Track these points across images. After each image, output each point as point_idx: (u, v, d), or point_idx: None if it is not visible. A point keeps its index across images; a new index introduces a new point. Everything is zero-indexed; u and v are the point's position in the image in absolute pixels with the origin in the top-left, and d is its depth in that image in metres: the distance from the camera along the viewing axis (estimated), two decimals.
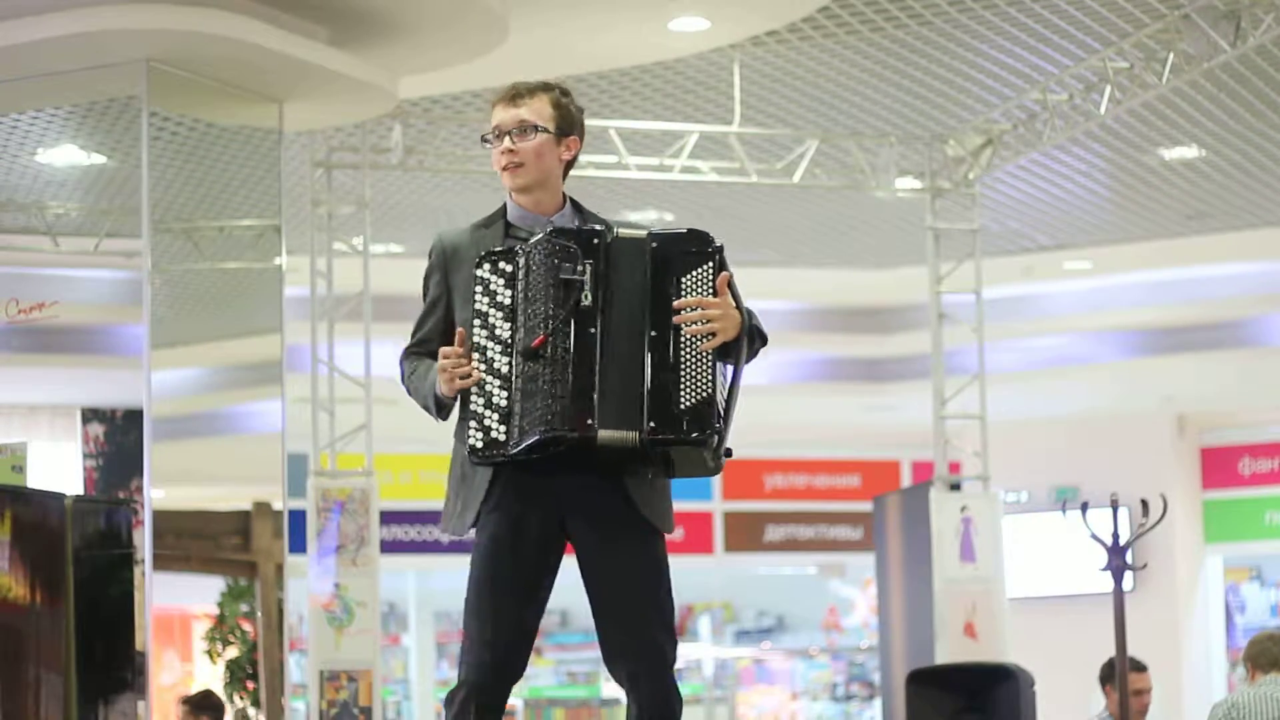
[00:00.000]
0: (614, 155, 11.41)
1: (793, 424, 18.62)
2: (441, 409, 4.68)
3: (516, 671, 4.62)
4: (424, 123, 11.39)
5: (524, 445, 4.48)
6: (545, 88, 4.75)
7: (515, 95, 4.73)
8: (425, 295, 4.80)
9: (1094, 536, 8.88)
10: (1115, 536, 8.86)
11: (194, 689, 14.45)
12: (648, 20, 9.79)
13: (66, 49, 8.94)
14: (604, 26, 9.85)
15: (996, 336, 14.22)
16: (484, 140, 4.78)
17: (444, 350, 4.58)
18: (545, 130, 4.69)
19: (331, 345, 11.37)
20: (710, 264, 4.56)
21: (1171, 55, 10.14)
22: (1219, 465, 18.65)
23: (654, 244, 4.56)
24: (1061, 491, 17.63)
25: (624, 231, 4.58)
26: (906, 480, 20.00)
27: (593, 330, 4.49)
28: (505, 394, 4.52)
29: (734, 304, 4.57)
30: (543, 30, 9.75)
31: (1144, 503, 8.87)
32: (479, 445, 4.52)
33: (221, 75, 9.32)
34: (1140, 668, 9.95)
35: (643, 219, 13.35)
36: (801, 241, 14.56)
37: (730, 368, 4.61)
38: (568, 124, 4.74)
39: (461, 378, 4.54)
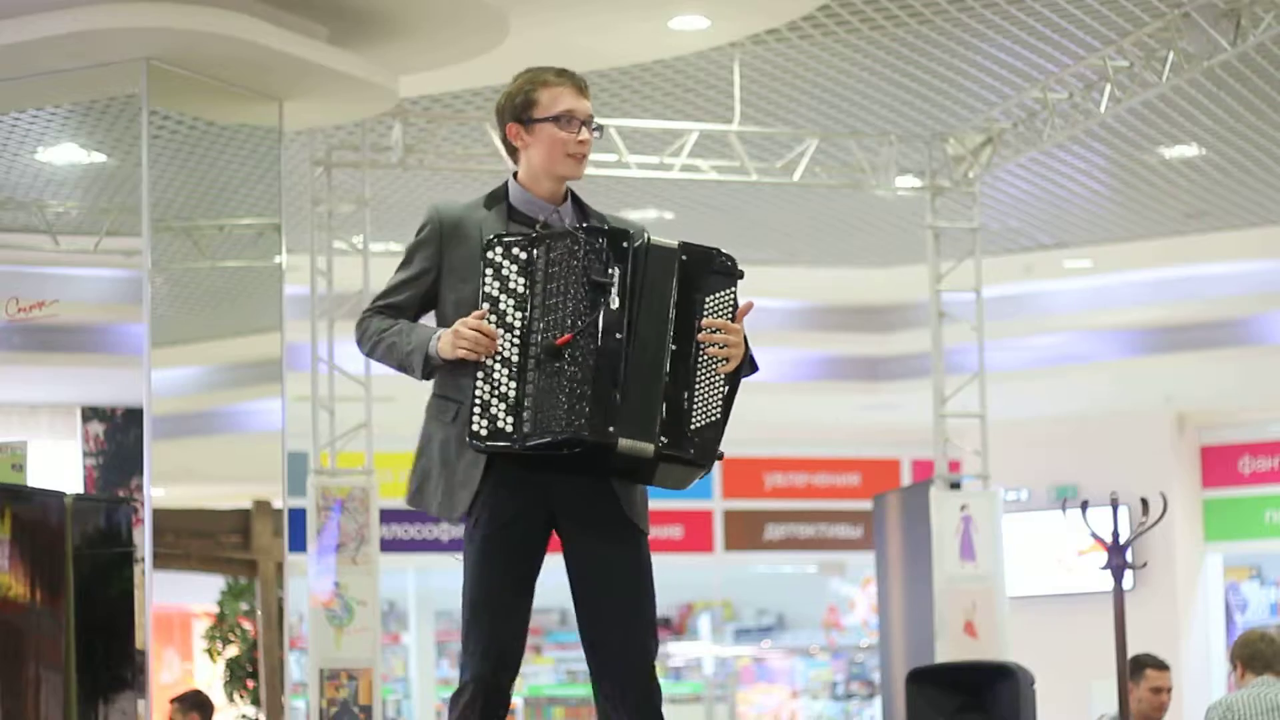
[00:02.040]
0: (614, 153, 11.41)
1: (793, 422, 18.62)
2: (429, 369, 4.62)
3: (518, 664, 4.65)
4: (424, 121, 11.39)
5: (539, 442, 4.46)
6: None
7: (586, 87, 4.73)
8: (409, 262, 4.74)
9: (1094, 535, 8.88)
10: (1115, 535, 8.85)
11: (192, 687, 14.48)
12: (648, 19, 9.79)
13: (67, 48, 8.94)
14: (604, 25, 9.85)
15: (996, 335, 14.21)
16: (556, 119, 4.67)
17: (472, 322, 4.50)
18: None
19: (331, 344, 11.38)
20: (734, 288, 4.58)
21: (1171, 54, 10.14)
22: (1219, 464, 18.64)
23: (684, 256, 4.55)
24: (1061, 490, 17.62)
25: (655, 240, 4.55)
26: (906, 479, 20.00)
27: (619, 335, 4.46)
28: (514, 384, 4.48)
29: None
30: (543, 29, 9.75)
31: (1144, 501, 8.87)
32: (483, 433, 4.48)
33: (221, 74, 9.32)
34: (1162, 666, 9.95)
35: (642, 217, 13.35)
36: (801, 240, 14.56)
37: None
38: None
39: (479, 351, 4.48)
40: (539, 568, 4.67)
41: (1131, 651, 9.23)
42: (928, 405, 12.52)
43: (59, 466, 9.71)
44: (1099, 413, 18.06)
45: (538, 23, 9.64)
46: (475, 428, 4.49)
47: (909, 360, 16.45)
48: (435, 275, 4.70)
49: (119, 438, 9.78)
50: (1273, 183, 13.02)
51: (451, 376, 4.60)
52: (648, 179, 11.93)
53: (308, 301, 11.49)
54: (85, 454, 9.88)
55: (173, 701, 11.29)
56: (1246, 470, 18.59)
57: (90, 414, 9.92)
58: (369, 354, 4.75)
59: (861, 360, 17.23)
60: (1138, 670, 9.81)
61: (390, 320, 4.72)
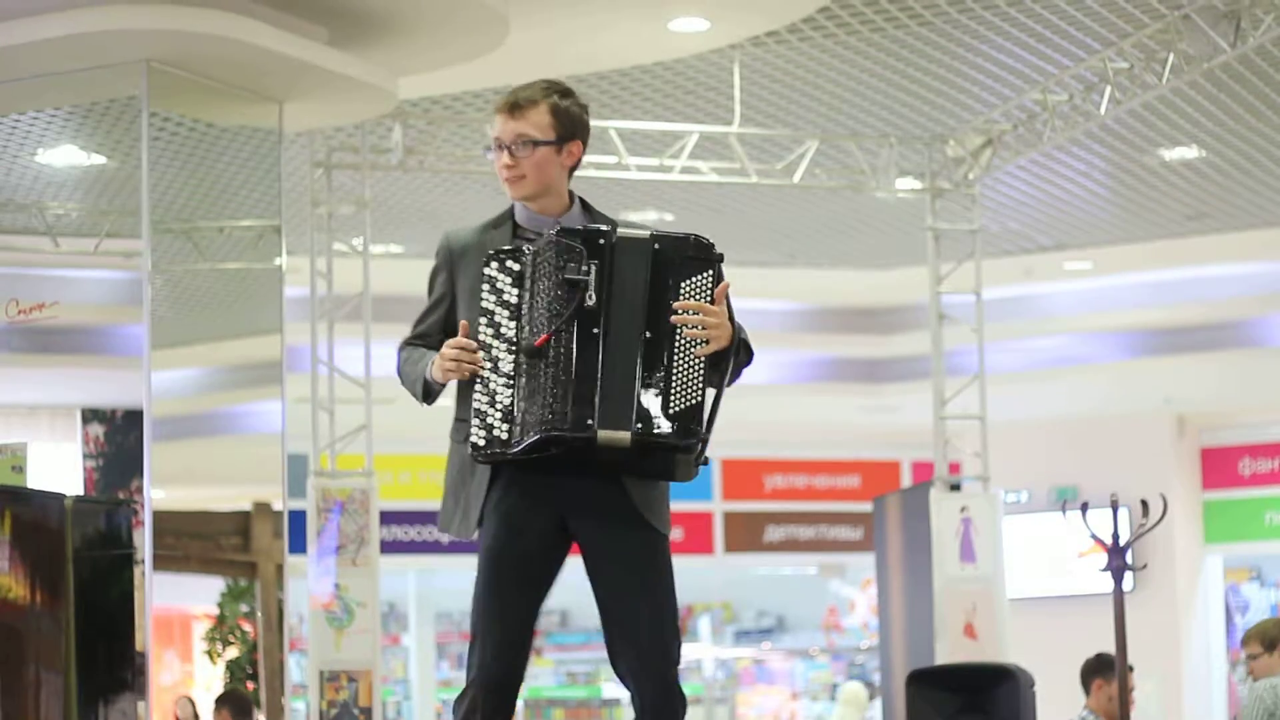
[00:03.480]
0: (614, 155, 11.41)
1: (793, 424, 18.62)
2: (429, 394, 4.71)
3: (523, 668, 4.64)
4: (424, 123, 11.40)
5: (525, 444, 4.49)
6: (545, 93, 4.70)
7: (514, 106, 4.69)
8: (430, 290, 4.81)
9: (1094, 537, 8.87)
10: (1115, 537, 8.84)
11: (195, 690, 14.51)
12: (648, 20, 9.79)
13: (67, 49, 8.94)
14: (604, 26, 9.85)
15: (996, 337, 14.21)
16: (485, 150, 4.80)
17: (453, 340, 4.58)
18: (545, 143, 4.68)
19: (331, 345, 11.38)
20: (710, 271, 4.57)
21: (1171, 55, 10.15)
22: (1219, 465, 18.64)
23: (656, 245, 4.56)
24: (1061, 492, 17.63)
25: (626, 231, 4.58)
26: (906, 480, 20.00)
27: (595, 330, 4.49)
28: (510, 393, 4.53)
29: (729, 315, 4.58)
30: (543, 30, 9.75)
31: (1144, 503, 8.85)
32: (481, 443, 4.53)
33: (221, 75, 9.32)
34: (1130, 668, 9.95)
35: (643, 219, 13.35)
36: (801, 242, 14.56)
37: (717, 377, 4.61)
38: (568, 130, 4.71)
39: (462, 370, 4.55)
40: (554, 574, 4.66)
41: (1131, 655, 9.22)
42: (928, 407, 12.52)
43: (59, 468, 9.70)
44: (1099, 414, 18.05)
45: (537, 24, 9.64)
46: (474, 439, 4.55)
47: (909, 362, 16.46)
48: (451, 300, 4.76)
49: (119, 439, 9.78)
50: (1273, 184, 13.02)
51: (464, 398, 4.64)
52: (648, 181, 11.93)
53: (308, 303, 11.49)
54: (85, 456, 9.87)
55: (215, 701, 11.54)
56: (1246, 472, 18.59)
57: (90, 416, 9.91)
58: (401, 384, 4.84)
59: (862, 362, 17.23)
60: (1098, 670, 9.85)
61: (413, 350, 4.80)
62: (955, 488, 12.37)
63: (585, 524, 4.63)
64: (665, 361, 4.52)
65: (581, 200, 4.80)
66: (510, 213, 4.78)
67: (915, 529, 12.36)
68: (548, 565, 4.65)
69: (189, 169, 11.16)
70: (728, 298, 4.59)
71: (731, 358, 4.59)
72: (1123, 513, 9.07)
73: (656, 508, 4.67)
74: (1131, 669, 9.96)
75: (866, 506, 16.86)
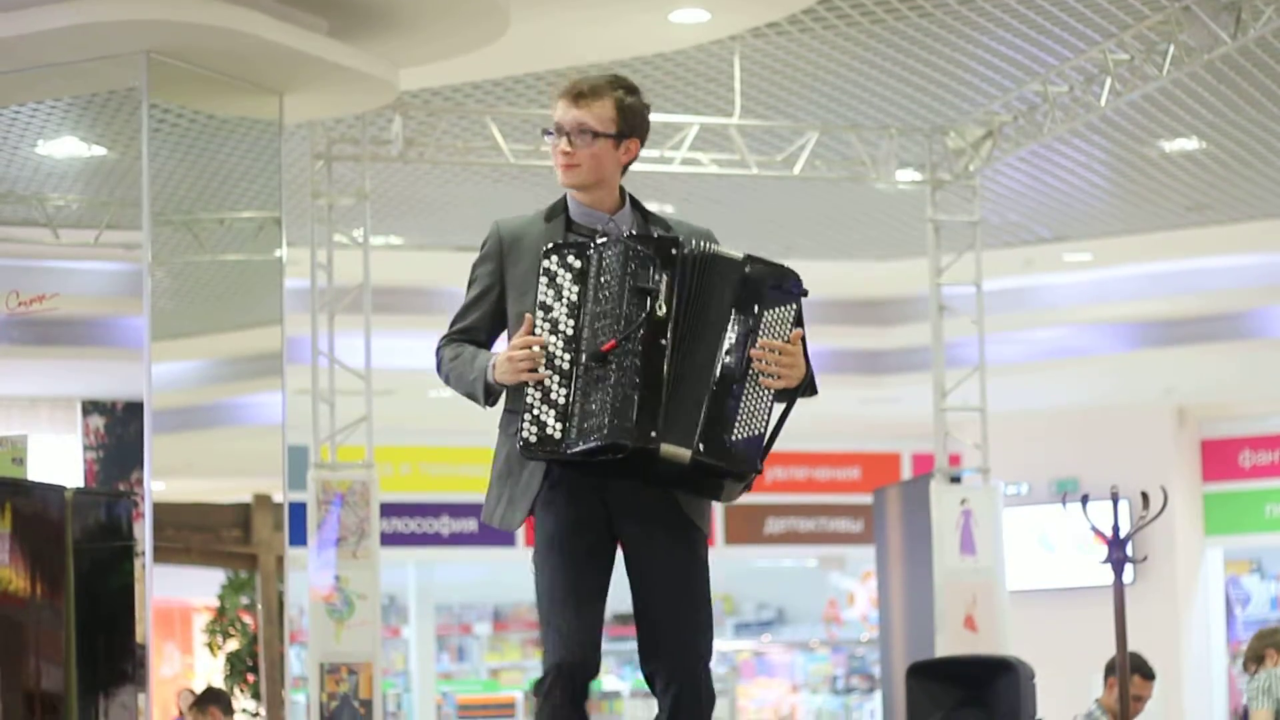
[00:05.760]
0: None
1: (793, 416, 18.58)
2: (490, 396, 4.62)
3: (599, 654, 4.63)
4: (424, 114, 11.39)
5: (582, 449, 4.46)
6: (611, 86, 4.68)
7: (579, 94, 4.66)
8: (474, 281, 4.74)
9: (1094, 529, 8.87)
10: (1115, 529, 8.85)
11: (195, 682, 14.49)
12: (648, 11, 9.78)
13: (66, 40, 8.94)
14: (604, 17, 9.85)
15: (997, 328, 14.21)
16: (544, 133, 4.74)
17: (519, 339, 4.51)
18: (605, 135, 4.65)
19: (332, 337, 11.38)
20: (794, 305, 4.59)
21: (1172, 47, 10.14)
22: (1219, 457, 18.64)
23: (748, 269, 4.56)
24: (1062, 484, 17.64)
25: (720, 249, 4.56)
26: (907, 472, 20.00)
27: (663, 342, 4.47)
28: (564, 391, 4.48)
29: (804, 352, 4.61)
30: (543, 21, 9.75)
31: (1144, 495, 8.86)
32: (532, 440, 4.49)
33: (222, 67, 9.32)
34: (1149, 675, 9.94)
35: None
36: (802, 233, 14.55)
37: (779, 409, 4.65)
38: (629, 126, 4.68)
39: (529, 370, 4.48)
40: (609, 564, 4.66)
41: (1133, 647, 9.23)
42: (928, 399, 12.52)
43: (59, 460, 9.70)
44: (1099, 406, 18.06)
45: (538, 15, 9.64)
46: (525, 435, 4.49)
47: (909, 354, 16.46)
48: (499, 291, 4.70)
49: (119, 431, 9.78)
50: (1273, 176, 13.01)
51: (518, 390, 4.58)
52: (648, 172, 11.92)
53: (308, 295, 11.49)
54: (85, 448, 9.87)
55: (192, 704, 11.42)
56: (1247, 464, 18.59)
57: (90, 408, 9.91)
58: (446, 384, 4.75)
59: (862, 354, 17.23)
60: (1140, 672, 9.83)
61: (459, 347, 4.71)
62: (955, 480, 12.37)
63: (632, 524, 4.64)
64: (737, 388, 4.53)
65: (633, 199, 4.77)
66: (563, 205, 4.73)
67: (915, 521, 12.36)
68: (603, 558, 4.64)
69: (189, 160, 11.16)
70: (804, 336, 4.61)
71: (798, 394, 4.63)
72: (1123, 505, 9.07)
73: (698, 506, 4.70)
74: (1153, 677, 9.95)
75: (867, 499, 16.86)
